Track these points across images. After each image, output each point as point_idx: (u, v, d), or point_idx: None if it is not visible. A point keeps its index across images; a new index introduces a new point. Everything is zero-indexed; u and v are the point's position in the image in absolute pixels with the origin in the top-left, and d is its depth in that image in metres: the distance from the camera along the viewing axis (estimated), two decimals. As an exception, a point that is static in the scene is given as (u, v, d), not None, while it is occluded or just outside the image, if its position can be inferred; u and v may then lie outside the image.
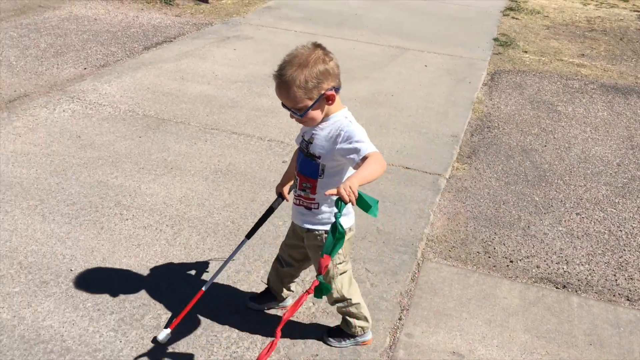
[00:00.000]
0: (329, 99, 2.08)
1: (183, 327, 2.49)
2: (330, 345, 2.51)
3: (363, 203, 1.84)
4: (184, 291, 2.74)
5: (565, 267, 3.20)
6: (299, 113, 2.08)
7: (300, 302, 1.88)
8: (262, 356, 1.82)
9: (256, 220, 2.68)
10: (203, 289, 2.52)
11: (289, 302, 2.70)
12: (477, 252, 3.27)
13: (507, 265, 3.18)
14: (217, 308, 2.66)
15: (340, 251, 2.25)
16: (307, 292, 1.89)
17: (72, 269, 2.82)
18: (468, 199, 3.82)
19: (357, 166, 2.01)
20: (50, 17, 6.81)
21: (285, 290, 2.64)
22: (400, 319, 2.71)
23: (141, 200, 3.45)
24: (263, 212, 2.60)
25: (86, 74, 5.28)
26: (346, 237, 2.20)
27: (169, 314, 2.60)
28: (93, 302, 2.63)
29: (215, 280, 2.62)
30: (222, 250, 3.05)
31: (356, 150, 2.02)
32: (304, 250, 2.40)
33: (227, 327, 2.56)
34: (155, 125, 4.40)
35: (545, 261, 3.24)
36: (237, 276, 2.89)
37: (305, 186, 2.22)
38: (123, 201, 3.41)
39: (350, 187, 1.81)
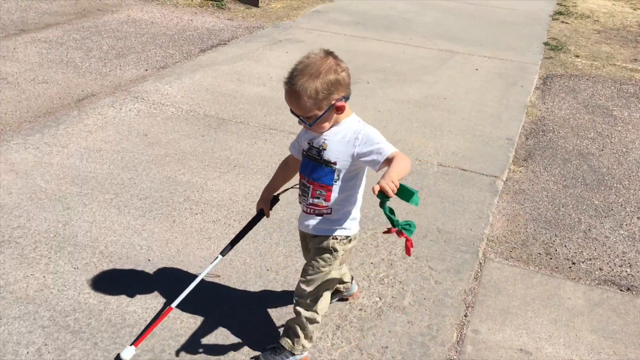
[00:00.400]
0: (339, 109, 2.07)
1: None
2: None
3: (405, 193, 1.87)
4: (254, 282, 2.85)
5: (628, 270, 3.20)
6: (308, 122, 2.07)
7: None
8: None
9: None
10: (172, 305, 2.42)
11: (355, 288, 2.76)
12: (539, 254, 3.30)
13: (570, 267, 3.20)
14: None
15: (327, 258, 2.24)
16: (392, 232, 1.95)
17: (150, 259, 2.96)
18: (526, 201, 3.85)
19: (381, 166, 2.03)
20: (109, 21, 7.07)
21: (341, 289, 2.68)
22: (465, 315, 2.77)
23: (208, 196, 3.59)
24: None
25: (147, 75, 5.48)
26: (348, 247, 2.27)
27: (244, 305, 2.71)
28: (171, 291, 2.76)
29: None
30: (288, 245, 3.16)
31: (379, 152, 2.04)
32: None
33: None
34: (216, 125, 4.55)
35: (608, 264, 3.24)
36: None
37: (319, 193, 2.18)
38: (192, 196, 3.56)
39: (392, 181, 1.83)
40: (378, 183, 1.83)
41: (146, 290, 2.75)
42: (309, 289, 2.27)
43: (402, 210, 3.32)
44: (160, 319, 2.45)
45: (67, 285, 2.74)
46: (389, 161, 2.01)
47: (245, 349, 2.46)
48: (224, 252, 2.48)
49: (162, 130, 4.38)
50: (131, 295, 2.70)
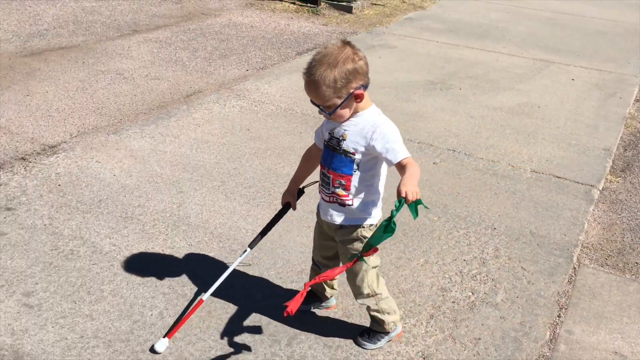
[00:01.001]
0: (358, 97, 2.10)
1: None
2: (365, 348, 2.50)
3: (414, 206, 1.96)
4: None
5: None
6: (328, 111, 2.11)
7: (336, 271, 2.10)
8: (293, 305, 2.00)
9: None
10: (203, 298, 2.49)
11: (333, 301, 2.74)
12: (636, 263, 3.27)
13: (669, 278, 3.15)
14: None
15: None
16: (346, 266, 2.11)
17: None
18: (623, 211, 3.80)
19: (394, 167, 2.12)
20: (212, 24, 7.50)
21: (328, 289, 2.65)
22: (559, 316, 2.80)
23: (307, 188, 3.79)
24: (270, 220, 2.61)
25: (248, 75, 5.79)
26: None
27: (342, 285, 2.88)
28: (275, 271, 2.97)
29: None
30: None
31: (393, 153, 2.10)
32: (336, 247, 2.43)
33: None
34: (313, 123, 4.76)
35: None
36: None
37: (339, 183, 2.23)
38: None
39: (414, 190, 1.93)
40: (404, 188, 1.92)
41: (252, 269, 2.97)
42: (363, 283, 2.33)
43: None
44: (192, 311, 2.51)
45: (183, 259, 3.01)
46: (401, 166, 2.08)
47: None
48: (252, 245, 2.55)
49: (263, 126, 4.64)
50: (238, 272, 2.93)
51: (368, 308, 2.45)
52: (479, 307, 2.83)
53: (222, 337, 2.52)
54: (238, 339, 2.53)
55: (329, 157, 2.24)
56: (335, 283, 2.66)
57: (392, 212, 1.94)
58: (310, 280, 2.59)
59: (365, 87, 2.11)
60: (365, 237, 2.26)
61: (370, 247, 2.06)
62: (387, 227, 1.97)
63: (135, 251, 3.03)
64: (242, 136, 4.44)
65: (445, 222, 3.52)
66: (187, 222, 3.32)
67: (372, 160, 2.19)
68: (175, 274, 2.89)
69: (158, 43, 6.52)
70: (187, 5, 8.34)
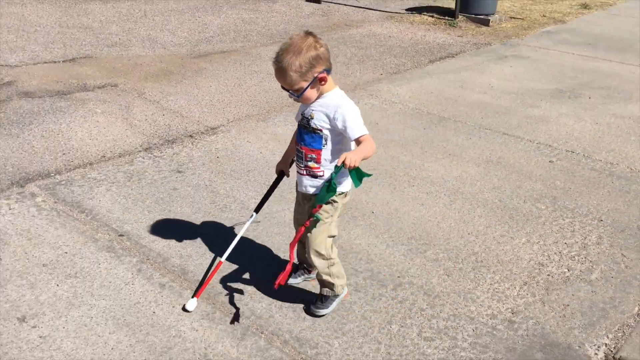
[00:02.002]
0: (322, 80, 2.36)
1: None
2: (317, 314, 2.71)
3: (360, 173, 2.27)
4: (455, 244, 3.39)
5: None
6: (296, 94, 2.37)
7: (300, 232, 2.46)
8: (281, 278, 2.31)
9: (265, 196, 2.91)
10: (221, 259, 2.80)
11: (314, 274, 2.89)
12: None
13: None
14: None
15: (329, 209, 2.53)
16: (304, 225, 2.45)
17: (373, 211, 3.69)
18: None
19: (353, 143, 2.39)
20: (354, 34, 8.16)
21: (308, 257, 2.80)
22: (651, 296, 2.98)
23: (424, 174, 4.22)
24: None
25: (382, 78, 6.33)
26: (344, 201, 2.57)
27: (455, 250, 3.27)
28: (389, 234, 3.44)
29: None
30: (488, 218, 3.64)
31: (351, 130, 2.36)
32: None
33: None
34: (437, 121, 5.17)
35: None
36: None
37: (310, 157, 2.49)
38: (410, 173, 4.22)
39: (354, 158, 2.22)
40: (345, 155, 2.22)
41: (370, 233, 3.47)
42: (316, 241, 2.55)
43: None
44: (214, 272, 2.86)
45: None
46: (358, 142, 2.37)
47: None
48: (257, 210, 2.88)
49: (390, 122, 5.14)
50: (357, 234, 3.44)
51: (318, 274, 2.66)
52: (573, 281, 3.09)
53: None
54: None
55: (301, 134, 2.52)
56: None
57: (331, 174, 2.31)
58: (298, 256, 2.91)
59: (328, 71, 2.38)
60: (334, 201, 2.53)
61: (316, 204, 2.43)
62: (329, 188, 2.32)
63: (274, 210, 3.66)
64: (370, 129, 4.88)
65: (553, 212, 3.77)
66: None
67: (339, 136, 2.46)
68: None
69: (304, 49, 7.28)
70: (332, 17, 9.11)
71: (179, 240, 3.26)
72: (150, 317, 2.66)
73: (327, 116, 2.41)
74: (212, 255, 3.14)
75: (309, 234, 2.56)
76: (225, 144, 4.54)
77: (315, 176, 2.53)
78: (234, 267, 3.07)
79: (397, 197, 3.88)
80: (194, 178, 3.99)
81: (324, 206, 2.49)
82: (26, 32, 7.26)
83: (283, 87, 2.41)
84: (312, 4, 9.92)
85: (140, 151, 4.34)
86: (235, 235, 2.87)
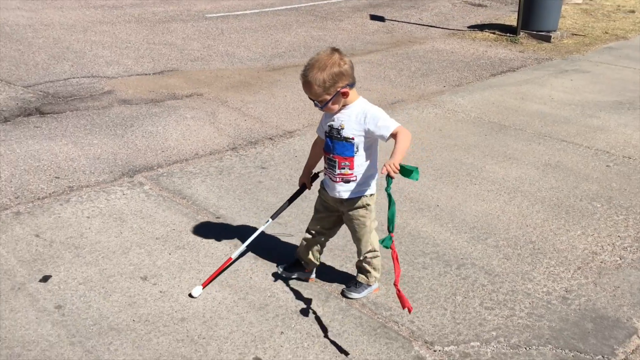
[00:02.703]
0: (344, 95, 2.59)
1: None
2: (350, 297, 2.98)
3: (405, 172, 2.44)
4: (514, 233, 3.73)
5: None
6: (320, 105, 2.62)
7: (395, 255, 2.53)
8: (405, 302, 2.43)
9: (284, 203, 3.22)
10: (232, 257, 3.10)
11: (314, 274, 3.15)
12: None
13: None
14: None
15: (365, 214, 2.79)
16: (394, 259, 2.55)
17: (438, 204, 4.07)
18: None
19: (388, 138, 2.57)
20: (417, 50, 8.57)
21: (313, 261, 3.06)
22: (699, 283, 3.23)
23: (485, 174, 4.57)
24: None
25: (445, 90, 6.70)
26: (374, 200, 2.79)
27: (513, 239, 3.61)
28: (453, 224, 3.81)
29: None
30: (546, 213, 3.95)
31: (385, 129, 2.56)
32: (335, 218, 2.93)
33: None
34: (498, 129, 5.50)
35: None
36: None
37: (344, 165, 2.69)
38: (472, 173, 4.57)
39: (393, 164, 2.40)
40: (384, 165, 2.41)
41: (436, 223, 3.85)
42: (363, 244, 2.87)
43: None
44: (222, 267, 3.08)
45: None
46: (394, 135, 2.55)
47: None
48: (273, 216, 3.12)
49: (454, 128, 5.51)
50: (423, 222, 3.83)
51: (359, 261, 2.96)
52: (624, 268, 3.37)
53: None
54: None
55: (332, 144, 2.71)
56: (320, 256, 3.10)
57: (385, 189, 2.46)
58: (298, 254, 3.11)
59: (351, 85, 2.60)
60: (368, 204, 2.79)
61: (391, 225, 2.50)
62: (390, 202, 2.47)
63: (348, 201, 4.09)
64: (434, 134, 5.36)
65: (607, 209, 4.04)
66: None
67: (367, 141, 2.68)
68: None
69: (370, 64, 7.75)
70: (396, 34, 9.56)
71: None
72: (248, 281, 3.13)
73: (359, 123, 2.62)
74: (292, 237, 3.59)
75: (355, 239, 2.90)
76: (301, 145, 5.03)
77: (348, 181, 2.74)
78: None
79: (459, 193, 4.25)
80: (275, 173, 4.48)
81: (360, 211, 2.79)
82: (118, 47, 8.04)
83: (310, 98, 2.65)
84: (376, 21, 10.41)
85: (227, 150, 4.88)
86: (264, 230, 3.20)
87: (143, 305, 2.91)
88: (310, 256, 3.05)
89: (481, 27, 10.05)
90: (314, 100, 2.63)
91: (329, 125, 2.71)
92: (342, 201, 2.81)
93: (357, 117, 2.63)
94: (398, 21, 10.51)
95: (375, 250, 2.94)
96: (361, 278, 3.02)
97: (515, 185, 4.38)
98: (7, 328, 2.71)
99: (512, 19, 10.22)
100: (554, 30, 9.34)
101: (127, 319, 2.81)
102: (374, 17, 10.71)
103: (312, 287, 3.10)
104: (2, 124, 5.19)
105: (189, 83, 6.67)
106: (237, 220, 3.76)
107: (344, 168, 2.71)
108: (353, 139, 2.65)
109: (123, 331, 2.73)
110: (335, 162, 2.73)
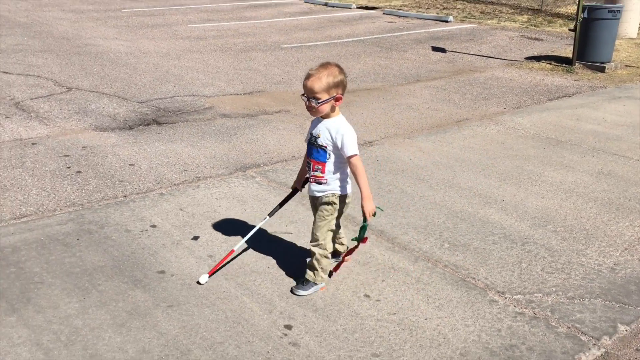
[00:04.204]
0: (337, 100, 3.06)
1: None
2: (297, 294, 3.28)
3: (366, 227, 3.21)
4: (570, 222, 4.39)
5: None
6: (316, 101, 2.98)
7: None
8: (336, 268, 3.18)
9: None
10: (234, 248, 3.50)
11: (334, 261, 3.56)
12: None
13: None
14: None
15: (329, 209, 3.24)
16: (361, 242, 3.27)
17: (504, 199, 4.78)
18: None
19: (347, 159, 3.09)
20: (478, 77, 9.33)
21: (338, 246, 3.51)
22: None
23: (544, 178, 5.25)
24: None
25: (505, 111, 7.42)
26: (340, 203, 3.23)
27: (570, 227, 4.28)
28: (517, 214, 4.51)
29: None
30: (598, 209, 4.60)
31: (345, 149, 3.05)
32: None
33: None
34: (555, 143, 6.17)
35: None
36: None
37: (317, 168, 3.17)
38: (532, 177, 5.26)
39: (369, 205, 3.09)
40: (367, 211, 3.10)
41: (502, 212, 4.55)
42: (318, 232, 3.25)
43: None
44: (225, 258, 3.48)
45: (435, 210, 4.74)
46: (349, 160, 3.07)
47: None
48: (271, 214, 3.56)
49: (514, 143, 6.21)
50: (491, 214, 4.54)
51: (312, 254, 3.28)
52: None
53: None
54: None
55: (310, 150, 3.20)
56: (344, 239, 3.57)
57: (363, 226, 3.19)
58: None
59: (342, 97, 3.08)
60: (334, 202, 3.23)
61: (362, 236, 3.24)
62: (362, 227, 3.21)
63: (425, 194, 4.84)
64: (497, 146, 6.08)
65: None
66: (458, 186, 5.06)
67: (337, 152, 3.12)
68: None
69: (435, 89, 8.55)
70: (457, 64, 10.34)
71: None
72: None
73: (330, 135, 3.09)
74: (375, 222, 4.37)
75: (314, 227, 3.28)
76: (381, 152, 5.84)
77: (320, 183, 3.20)
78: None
79: (522, 191, 4.95)
80: (362, 173, 5.29)
81: (325, 206, 3.23)
82: (210, 72, 9.13)
83: (304, 95, 3.05)
84: (438, 52, 11.23)
85: (318, 155, 5.73)
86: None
87: (274, 258, 3.73)
88: (337, 246, 3.52)
89: (538, 59, 10.72)
90: (309, 98, 3.02)
91: (310, 134, 3.22)
92: (315, 198, 3.32)
93: (331, 130, 3.10)
94: (458, 52, 11.30)
95: (325, 249, 3.29)
96: (309, 275, 3.32)
97: (571, 187, 5.05)
98: (177, 268, 3.59)
99: (567, 52, 10.86)
100: (608, 62, 9.93)
101: (263, 265, 3.64)
102: (435, 49, 11.54)
103: (403, 252, 3.86)
104: (129, 130, 6.23)
105: (276, 102, 7.62)
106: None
107: (317, 171, 3.19)
108: (326, 147, 3.13)
109: (262, 274, 3.55)
110: (310, 165, 3.22)
